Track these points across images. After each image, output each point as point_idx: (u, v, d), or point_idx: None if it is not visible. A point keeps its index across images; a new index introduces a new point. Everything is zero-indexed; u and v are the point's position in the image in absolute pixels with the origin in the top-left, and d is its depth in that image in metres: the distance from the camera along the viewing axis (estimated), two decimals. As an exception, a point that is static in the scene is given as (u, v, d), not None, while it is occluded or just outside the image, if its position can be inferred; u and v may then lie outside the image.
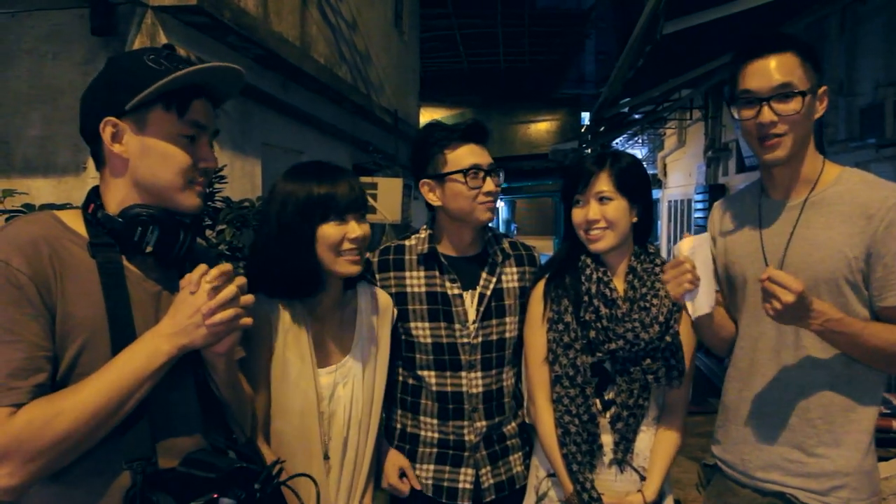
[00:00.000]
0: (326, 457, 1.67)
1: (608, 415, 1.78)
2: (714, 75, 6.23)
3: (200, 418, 1.32)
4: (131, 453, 1.16)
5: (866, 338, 1.51)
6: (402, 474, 1.90)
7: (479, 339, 1.90)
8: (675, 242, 12.01)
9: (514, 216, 30.91)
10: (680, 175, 11.75)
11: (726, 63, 1.77)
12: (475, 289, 1.93)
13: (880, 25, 4.92)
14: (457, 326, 1.89)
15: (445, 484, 1.90)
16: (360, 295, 1.79)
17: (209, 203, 2.74)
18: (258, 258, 1.65)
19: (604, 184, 1.77)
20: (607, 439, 1.78)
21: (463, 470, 1.90)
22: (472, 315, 1.90)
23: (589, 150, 12.73)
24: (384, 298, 1.85)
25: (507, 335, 1.94)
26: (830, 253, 1.57)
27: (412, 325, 1.90)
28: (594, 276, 1.80)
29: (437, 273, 1.92)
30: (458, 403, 1.90)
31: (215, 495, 1.13)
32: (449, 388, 1.91)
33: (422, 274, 1.92)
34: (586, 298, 1.79)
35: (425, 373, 1.91)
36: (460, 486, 1.90)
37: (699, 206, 9.47)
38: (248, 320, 1.22)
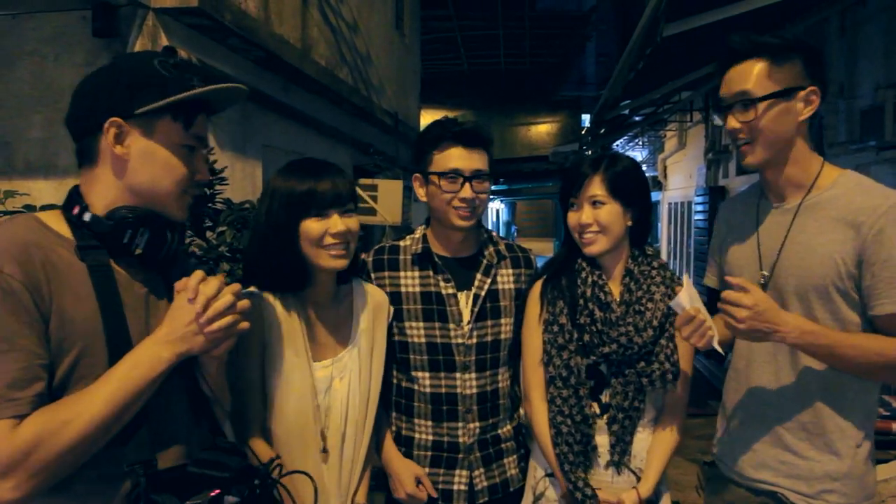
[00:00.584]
0: (324, 450, 1.68)
1: (605, 417, 1.78)
2: (714, 77, 6.23)
3: (192, 418, 1.34)
4: (132, 457, 1.17)
5: (844, 349, 1.51)
6: (418, 482, 1.90)
7: (474, 339, 1.90)
8: (675, 245, 12.02)
9: (514, 218, 30.90)
10: (680, 177, 11.76)
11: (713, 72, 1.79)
12: (470, 289, 1.93)
13: (880, 27, 4.93)
14: (451, 326, 1.89)
15: (440, 486, 1.91)
16: (357, 291, 1.81)
17: (209, 205, 2.75)
18: (251, 252, 1.70)
19: (597, 188, 1.77)
20: (603, 441, 1.79)
21: (457, 472, 1.91)
22: (466, 315, 1.91)
23: (589, 152, 12.73)
24: (380, 295, 1.86)
25: (503, 336, 1.94)
26: (822, 259, 1.57)
27: (406, 324, 1.91)
28: (589, 280, 1.81)
29: (431, 273, 1.92)
30: (452, 405, 1.91)
31: (216, 492, 1.14)
32: (443, 390, 1.91)
33: (416, 274, 1.93)
34: (581, 301, 1.80)
35: (419, 374, 1.91)
36: (455, 487, 1.91)
37: (699, 208, 9.47)
38: (245, 325, 1.25)
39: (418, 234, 1.99)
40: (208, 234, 2.74)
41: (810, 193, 1.63)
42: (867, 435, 1.63)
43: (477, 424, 1.92)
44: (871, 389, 1.64)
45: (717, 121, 1.70)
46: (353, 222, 1.66)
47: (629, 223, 1.81)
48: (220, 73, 3.66)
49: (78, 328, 1.15)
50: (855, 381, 1.60)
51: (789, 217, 1.64)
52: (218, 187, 2.79)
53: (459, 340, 1.90)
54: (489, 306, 1.93)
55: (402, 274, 1.93)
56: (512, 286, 1.98)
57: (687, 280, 1.61)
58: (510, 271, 1.99)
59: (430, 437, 1.93)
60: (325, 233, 1.61)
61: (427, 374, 1.91)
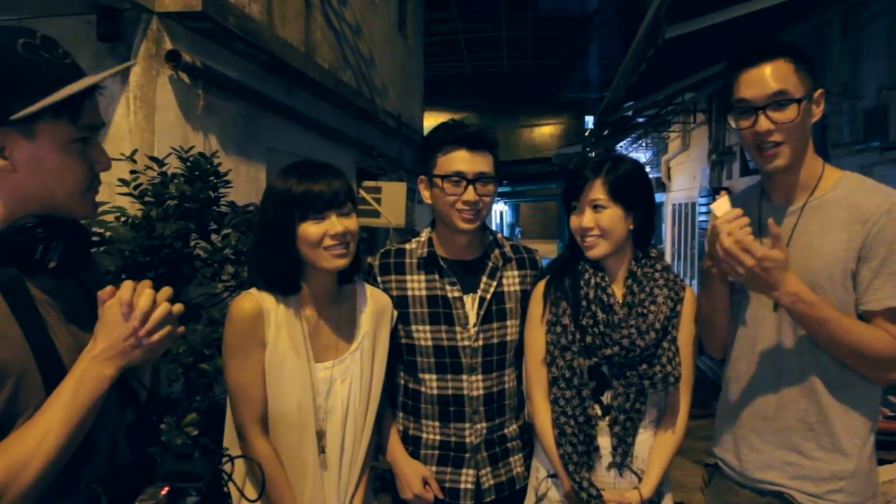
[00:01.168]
0: (322, 451, 1.69)
1: (607, 418, 1.79)
2: (717, 79, 6.23)
3: (118, 412, 1.26)
4: (88, 476, 1.13)
5: (834, 328, 1.50)
6: (425, 483, 1.91)
7: (480, 342, 1.91)
8: (679, 246, 12.01)
9: (518, 220, 30.89)
10: (684, 178, 11.74)
11: (724, 69, 1.75)
12: (476, 292, 1.94)
13: (883, 28, 4.92)
14: (457, 329, 1.90)
15: (447, 485, 1.92)
16: (360, 293, 1.82)
17: (214, 207, 2.75)
18: (251, 256, 1.73)
19: (598, 191, 1.77)
20: (605, 442, 1.79)
21: (464, 471, 1.92)
22: (472, 318, 1.91)
23: (593, 154, 12.73)
24: (384, 298, 1.87)
25: (509, 338, 1.95)
26: (828, 259, 1.57)
27: (413, 328, 1.92)
28: (592, 282, 1.81)
29: (436, 276, 1.93)
30: (459, 406, 1.92)
31: (166, 489, 1.12)
32: (450, 391, 1.92)
33: (422, 277, 1.93)
34: (584, 303, 1.80)
35: (426, 376, 1.92)
36: (462, 486, 1.92)
37: (703, 209, 9.46)
38: (180, 329, 1.19)
39: (423, 237, 1.99)
40: (213, 236, 2.75)
41: (813, 195, 1.63)
42: (871, 433, 1.64)
43: (484, 425, 1.92)
44: (876, 388, 1.64)
45: (733, 124, 1.64)
46: (351, 222, 1.67)
47: (631, 226, 1.81)
48: (223, 77, 3.68)
49: (7, 360, 1.06)
50: (861, 378, 1.60)
51: (793, 218, 1.64)
52: (222, 190, 2.80)
53: (466, 343, 1.90)
54: (495, 309, 1.94)
55: (408, 277, 1.94)
56: (517, 288, 1.98)
57: (726, 194, 1.58)
58: (516, 273, 2.00)
59: (438, 437, 1.94)
60: (324, 235, 1.62)
61: (434, 377, 1.92)
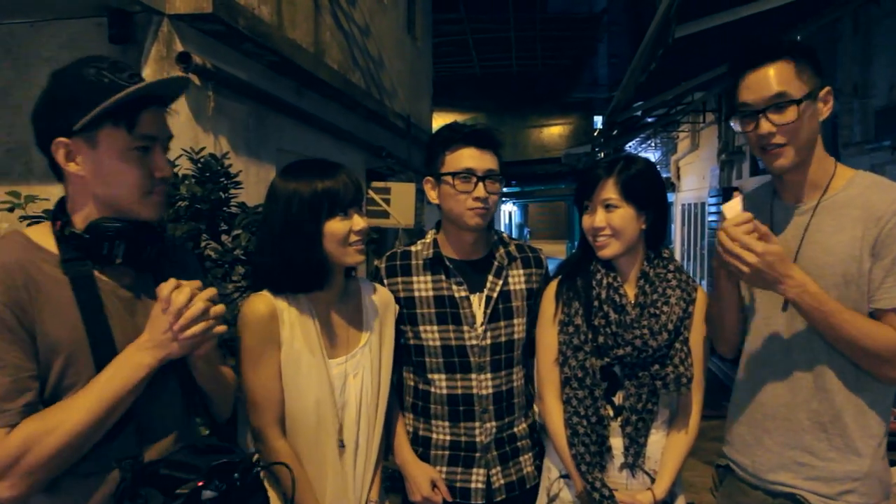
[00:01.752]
0: (342, 445, 1.71)
1: (619, 419, 1.79)
2: (727, 78, 6.21)
3: (183, 411, 1.40)
4: (119, 453, 1.23)
5: (839, 322, 1.50)
6: (434, 485, 1.92)
7: (488, 341, 1.92)
8: (688, 246, 11.97)
9: (526, 220, 30.87)
10: (693, 178, 11.71)
11: (727, 72, 1.76)
12: (482, 291, 1.94)
13: (894, 27, 4.89)
14: (465, 328, 1.91)
15: (458, 484, 1.93)
16: (363, 290, 1.84)
17: (224, 208, 2.77)
18: (264, 257, 1.70)
19: (610, 191, 1.77)
20: (617, 443, 1.79)
21: (475, 470, 1.92)
22: (479, 317, 1.92)
23: (602, 154, 12.71)
24: (386, 293, 1.89)
25: (516, 336, 1.96)
26: (841, 257, 1.57)
27: (421, 328, 1.93)
28: (604, 282, 1.81)
29: (443, 277, 1.94)
30: (469, 405, 1.92)
31: (200, 483, 1.19)
32: (459, 391, 1.92)
33: (428, 278, 1.95)
34: (596, 303, 1.80)
35: (436, 376, 1.93)
36: (472, 486, 1.92)
37: (713, 209, 9.42)
38: (221, 328, 1.30)
39: (429, 238, 2.01)
40: (223, 237, 2.76)
41: (826, 194, 1.62)
42: (886, 432, 1.63)
43: (493, 424, 1.93)
44: (889, 388, 1.63)
45: (737, 127, 1.65)
46: (365, 221, 1.72)
47: (643, 226, 1.81)
48: (233, 78, 3.69)
49: (62, 339, 1.21)
50: (875, 379, 1.59)
51: (806, 217, 1.64)
52: (233, 191, 2.81)
53: (474, 342, 1.91)
54: (502, 307, 1.95)
55: (414, 279, 1.95)
56: (523, 286, 1.99)
57: (740, 196, 1.58)
58: (521, 272, 2.00)
59: (448, 437, 1.94)
60: (349, 231, 1.65)
61: (443, 376, 1.93)
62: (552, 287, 1.91)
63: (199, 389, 1.43)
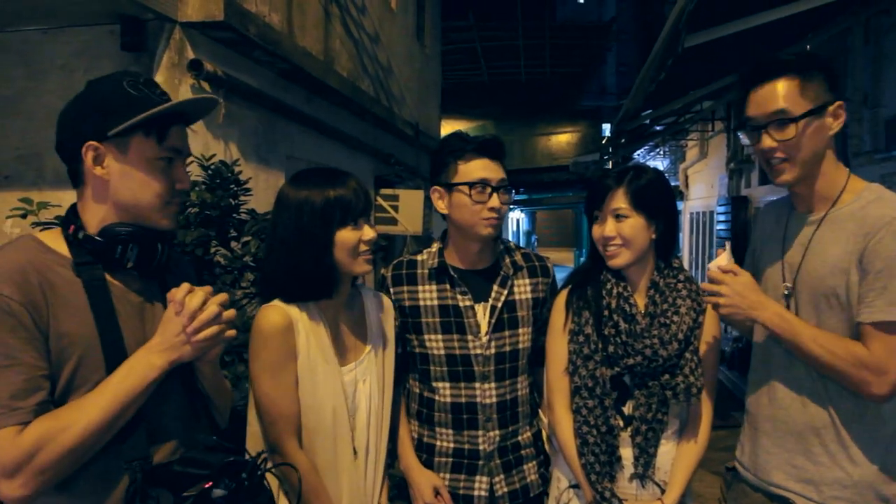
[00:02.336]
0: (354, 451, 1.72)
1: (629, 429, 1.78)
2: (736, 87, 6.20)
3: (189, 415, 1.42)
4: (129, 454, 1.26)
5: (803, 339, 1.56)
6: (437, 493, 1.93)
7: (493, 350, 1.92)
8: (697, 255, 11.93)
9: (534, 228, 30.86)
10: (702, 187, 11.69)
11: (736, 84, 1.80)
12: (487, 301, 1.95)
13: (905, 37, 4.88)
14: (469, 338, 1.92)
15: (461, 492, 1.93)
16: (365, 296, 1.86)
17: (234, 215, 2.78)
18: (274, 265, 1.70)
19: (620, 201, 1.77)
20: (627, 453, 1.78)
21: (478, 478, 1.93)
22: (484, 327, 1.93)
23: (610, 163, 12.69)
24: (385, 300, 1.91)
25: (521, 346, 1.96)
26: (831, 269, 1.59)
27: (426, 337, 1.93)
28: (615, 291, 1.81)
29: (447, 286, 1.95)
30: (472, 414, 1.93)
31: (208, 484, 1.21)
32: (463, 399, 1.93)
33: (433, 287, 1.95)
34: (606, 313, 1.80)
35: (440, 384, 1.94)
36: (475, 493, 1.93)
37: (721, 217, 9.40)
38: (231, 333, 1.33)
39: (434, 248, 2.01)
40: (233, 244, 2.77)
41: (835, 206, 1.64)
42: (883, 442, 1.61)
43: (497, 432, 1.93)
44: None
45: (745, 140, 1.70)
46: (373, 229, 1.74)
47: (653, 236, 1.80)
48: (244, 86, 3.71)
49: (75, 340, 1.24)
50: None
51: (812, 228, 1.66)
52: (242, 198, 2.82)
53: (478, 351, 1.91)
54: (506, 317, 1.95)
55: (420, 288, 1.96)
56: (529, 296, 1.99)
57: (728, 246, 1.68)
58: (527, 281, 2.00)
59: (452, 445, 1.95)
60: (359, 241, 1.66)
61: (447, 385, 1.93)
62: (562, 297, 1.91)
63: (203, 394, 1.45)
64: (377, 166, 6.29)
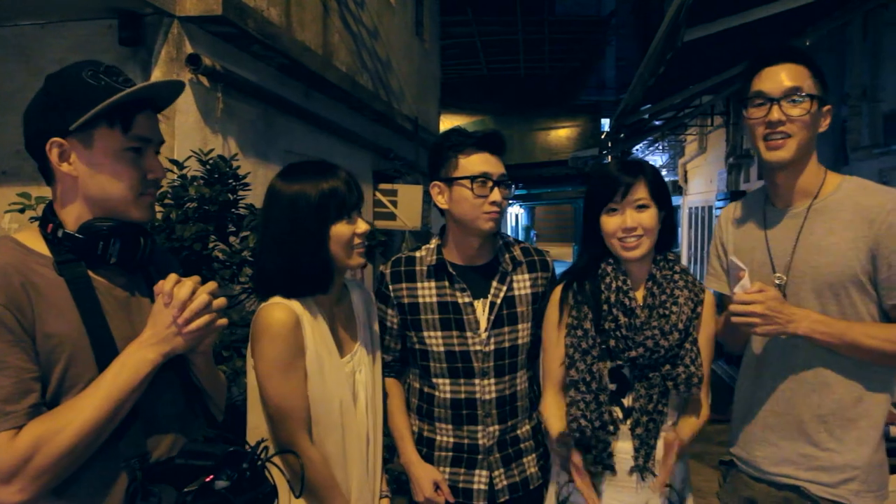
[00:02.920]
0: (368, 440, 1.76)
1: (628, 421, 1.79)
2: (735, 81, 6.19)
3: (184, 407, 1.40)
4: (127, 452, 1.24)
5: (854, 335, 1.58)
6: (437, 487, 1.94)
7: (492, 346, 1.92)
8: (696, 249, 11.93)
9: (533, 223, 30.85)
10: (701, 181, 11.68)
11: (743, 70, 1.84)
12: (486, 297, 1.95)
13: (904, 31, 4.87)
14: (469, 334, 1.92)
15: (461, 485, 1.94)
16: (352, 289, 1.88)
17: (233, 210, 2.78)
18: (268, 262, 1.69)
19: (642, 191, 1.79)
20: (627, 447, 1.79)
21: (477, 472, 1.94)
22: (483, 323, 1.93)
23: (609, 158, 12.68)
24: (366, 291, 1.94)
25: (520, 342, 1.96)
26: (835, 258, 1.64)
27: (425, 334, 1.94)
28: (614, 286, 1.82)
29: (446, 283, 1.95)
30: (472, 409, 1.93)
31: (210, 477, 1.20)
32: (463, 395, 1.93)
33: (432, 284, 1.95)
34: (606, 307, 1.81)
35: (439, 380, 1.95)
36: (475, 486, 1.94)
37: (720, 212, 9.39)
38: (223, 321, 1.30)
39: (433, 244, 2.01)
40: (231, 239, 2.77)
41: (817, 199, 1.70)
42: (885, 424, 1.69)
43: (496, 427, 1.94)
44: (888, 378, 1.68)
45: (748, 112, 1.72)
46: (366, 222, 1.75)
47: (660, 227, 1.83)
48: (242, 80, 3.71)
49: (63, 340, 1.22)
50: (872, 368, 1.65)
51: (799, 221, 1.71)
52: (241, 193, 2.82)
53: (477, 347, 1.91)
54: (506, 313, 1.95)
55: (418, 285, 1.96)
56: (528, 291, 1.99)
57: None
58: (526, 276, 2.00)
59: (451, 440, 1.95)
60: (353, 234, 1.68)
61: (447, 381, 1.94)
62: (557, 292, 1.91)
63: (199, 388, 1.44)
64: (376, 161, 6.28)
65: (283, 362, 1.62)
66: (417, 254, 2.01)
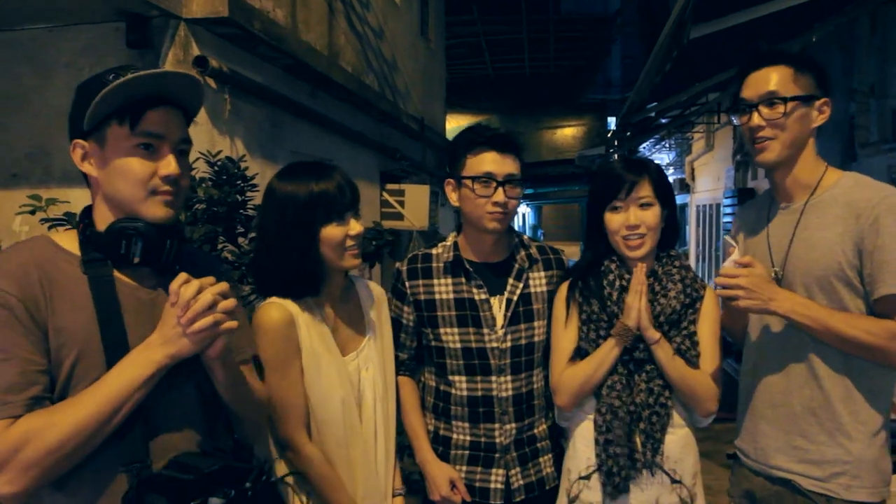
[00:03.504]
0: (375, 438, 1.75)
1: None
2: (736, 80, 6.16)
3: (201, 420, 1.36)
4: (127, 457, 1.22)
5: (835, 324, 1.59)
6: (453, 485, 1.93)
7: (509, 343, 1.92)
8: (703, 247, 11.90)
9: (540, 222, 30.79)
10: (708, 179, 11.65)
11: (733, 77, 1.90)
12: (503, 294, 1.95)
13: (912, 26, 4.85)
14: (485, 331, 1.92)
15: (477, 484, 1.94)
16: (359, 287, 1.87)
17: (241, 211, 2.78)
18: (261, 261, 1.71)
19: (646, 189, 1.80)
20: (636, 441, 1.79)
21: (494, 471, 1.93)
22: (500, 320, 1.93)
23: (616, 156, 12.65)
24: (378, 289, 1.93)
25: (536, 339, 1.96)
26: (824, 252, 1.66)
27: (442, 330, 1.93)
28: (617, 283, 1.83)
29: (463, 280, 1.95)
30: (489, 407, 1.93)
31: (208, 498, 1.17)
32: (479, 393, 1.93)
33: (449, 281, 1.95)
34: (608, 303, 1.83)
35: (456, 378, 1.94)
36: (492, 486, 1.93)
37: (728, 210, 9.37)
38: (231, 324, 1.24)
39: (449, 241, 2.01)
40: (240, 240, 2.78)
41: (815, 194, 1.73)
42: (884, 423, 1.69)
43: (513, 425, 1.94)
44: (886, 374, 1.69)
45: (736, 120, 1.79)
46: (361, 226, 1.73)
47: (663, 225, 1.85)
48: (249, 81, 3.72)
49: (74, 335, 1.21)
50: (873, 366, 1.65)
51: (796, 216, 1.75)
52: (249, 194, 2.83)
53: (494, 344, 1.91)
54: (522, 310, 1.95)
55: (435, 281, 1.96)
56: (544, 289, 1.99)
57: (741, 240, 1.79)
58: (542, 274, 2.01)
59: (468, 438, 1.95)
60: (345, 236, 1.67)
61: (463, 378, 1.93)
62: (563, 290, 1.92)
63: (224, 405, 1.40)
64: (382, 161, 6.29)
65: (278, 360, 1.64)
66: (434, 251, 2.02)
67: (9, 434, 1.13)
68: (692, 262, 12.28)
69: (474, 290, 1.93)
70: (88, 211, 1.34)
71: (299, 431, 1.66)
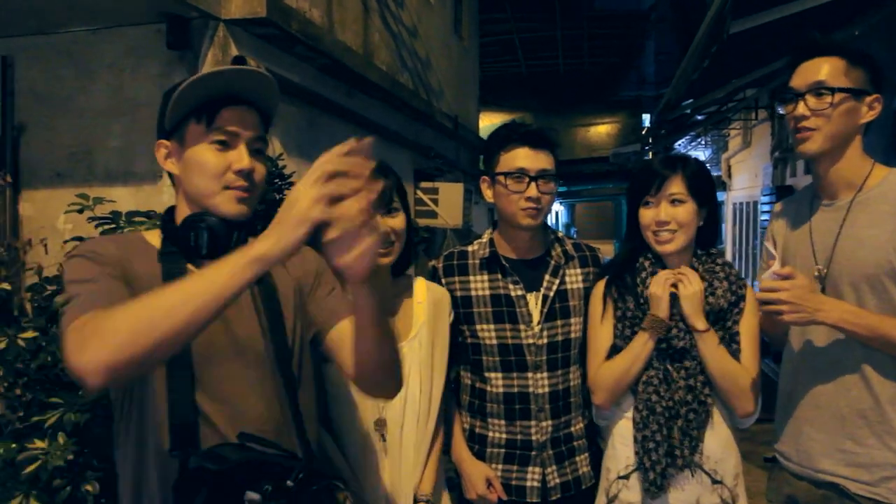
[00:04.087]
0: (383, 438, 1.73)
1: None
2: (780, 74, 6.06)
3: (273, 426, 1.31)
4: (179, 444, 1.22)
5: (887, 330, 1.55)
6: (489, 484, 1.93)
7: (545, 339, 1.92)
8: (740, 246, 11.73)
9: (573, 220, 30.61)
10: (745, 177, 11.46)
11: (783, 67, 1.87)
12: (539, 290, 1.95)
13: (960, 19, 4.72)
14: (521, 327, 1.92)
15: (514, 483, 1.94)
16: (416, 286, 1.87)
17: (279, 209, 2.82)
18: None
19: (677, 186, 1.79)
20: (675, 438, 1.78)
21: (530, 469, 1.93)
22: (536, 316, 1.93)
23: (651, 153, 12.53)
24: (440, 291, 1.92)
25: (573, 335, 1.96)
26: (873, 250, 1.62)
27: (478, 327, 1.94)
28: (649, 281, 1.82)
29: (499, 276, 1.95)
30: (525, 404, 1.93)
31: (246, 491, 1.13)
32: (515, 389, 1.93)
33: (485, 277, 1.96)
34: (642, 301, 1.82)
35: (492, 374, 1.94)
36: (528, 484, 1.93)
37: (766, 207, 9.21)
38: (376, 231, 1.07)
39: (485, 238, 2.02)
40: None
41: (861, 191, 1.69)
42: None
43: (549, 423, 1.93)
44: None
45: (782, 109, 1.76)
46: (397, 222, 1.73)
47: (700, 223, 1.83)
48: (286, 81, 3.76)
49: None
50: None
51: (842, 213, 1.70)
52: (286, 192, 2.86)
53: (530, 341, 1.91)
54: (558, 306, 1.95)
55: (471, 278, 1.96)
56: (581, 285, 1.99)
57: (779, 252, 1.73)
58: (578, 271, 2.00)
59: (504, 436, 1.95)
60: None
61: (500, 375, 1.94)
62: (600, 286, 1.91)
63: (299, 409, 1.36)
64: (417, 159, 6.31)
65: None
66: (470, 248, 2.03)
67: (83, 317, 1.08)
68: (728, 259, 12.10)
69: (510, 287, 1.94)
70: (172, 210, 1.40)
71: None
